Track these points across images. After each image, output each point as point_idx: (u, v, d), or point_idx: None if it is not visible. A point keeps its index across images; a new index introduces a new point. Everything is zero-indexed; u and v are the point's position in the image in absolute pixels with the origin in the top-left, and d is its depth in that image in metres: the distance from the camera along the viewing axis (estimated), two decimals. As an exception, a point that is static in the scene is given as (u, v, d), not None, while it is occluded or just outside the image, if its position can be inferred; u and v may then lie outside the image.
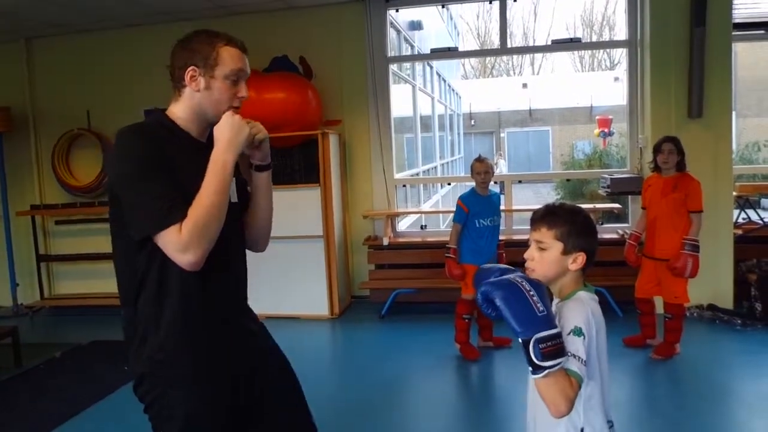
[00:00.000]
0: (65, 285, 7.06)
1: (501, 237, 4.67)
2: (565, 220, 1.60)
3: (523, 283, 1.45)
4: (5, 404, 4.11)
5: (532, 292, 1.43)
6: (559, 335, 1.42)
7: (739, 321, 5.00)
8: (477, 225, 4.44)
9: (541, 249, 1.61)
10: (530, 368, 1.41)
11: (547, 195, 16.08)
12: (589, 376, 1.51)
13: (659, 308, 4.48)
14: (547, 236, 1.60)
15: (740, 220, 6.01)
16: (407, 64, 9.47)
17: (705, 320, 5.17)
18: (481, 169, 4.46)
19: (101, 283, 6.86)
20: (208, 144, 1.70)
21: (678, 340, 4.32)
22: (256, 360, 1.82)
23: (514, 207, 6.65)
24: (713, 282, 5.18)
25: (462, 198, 4.55)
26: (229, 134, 1.63)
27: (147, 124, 1.70)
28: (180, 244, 1.51)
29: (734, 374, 4.15)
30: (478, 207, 4.46)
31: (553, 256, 1.60)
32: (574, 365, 1.45)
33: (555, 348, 1.40)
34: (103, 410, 3.95)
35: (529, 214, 1.72)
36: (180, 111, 1.71)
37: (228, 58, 1.67)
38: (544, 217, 1.63)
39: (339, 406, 1.87)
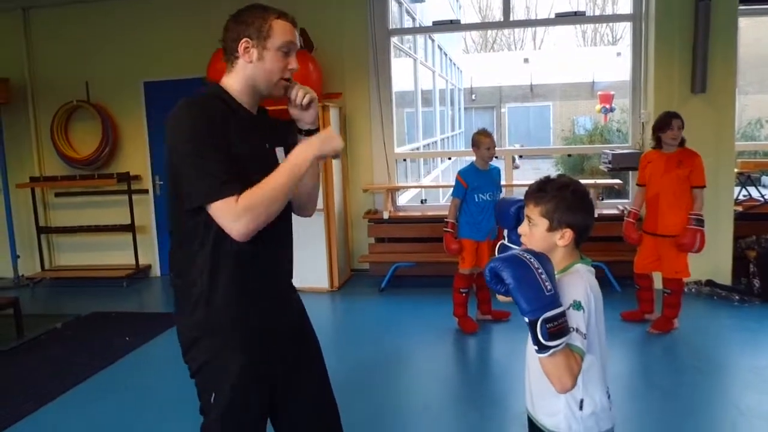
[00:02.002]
0: (65, 257, 7.08)
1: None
2: (552, 196, 1.60)
3: (532, 260, 1.44)
4: (7, 374, 4.15)
5: (540, 270, 1.42)
6: (563, 313, 1.42)
7: (737, 297, 5.03)
8: (476, 200, 4.43)
9: (531, 224, 1.63)
10: (536, 347, 1.41)
11: (547, 171, 16.05)
12: (588, 349, 1.51)
13: (657, 283, 4.50)
14: (535, 213, 1.61)
15: (741, 197, 6.00)
16: (409, 38, 9.39)
17: (703, 296, 5.19)
18: (490, 143, 4.43)
19: (101, 255, 6.90)
20: (259, 116, 1.81)
21: (676, 315, 4.34)
22: (299, 337, 1.92)
23: (514, 182, 6.63)
24: (712, 258, 5.19)
25: (461, 173, 4.53)
26: (322, 143, 1.73)
27: (206, 95, 1.72)
28: (234, 214, 1.58)
29: (731, 349, 4.18)
30: (478, 182, 4.44)
31: (540, 232, 1.61)
32: (576, 340, 1.46)
33: (561, 327, 1.40)
34: (104, 380, 3.99)
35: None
36: (234, 83, 1.75)
37: (280, 30, 1.72)
38: (533, 193, 1.64)
39: (337, 379, 1.89)
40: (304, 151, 1.70)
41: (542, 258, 1.46)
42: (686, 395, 3.41)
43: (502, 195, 4.65)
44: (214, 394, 1.73)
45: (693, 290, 5.22)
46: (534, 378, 1.65)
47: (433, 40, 12.08)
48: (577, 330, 1.47)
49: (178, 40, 6.41)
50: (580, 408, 1.58)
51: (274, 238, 1.77)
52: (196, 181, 1.59)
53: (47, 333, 4.93)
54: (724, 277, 5.30)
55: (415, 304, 5.35)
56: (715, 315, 4.82)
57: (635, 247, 4.53)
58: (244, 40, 1.70)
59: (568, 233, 1.58)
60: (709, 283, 5.26)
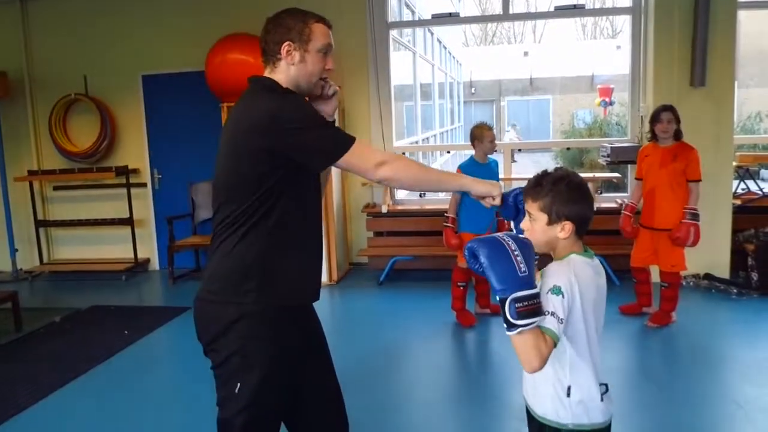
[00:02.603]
0: (64, 250, 7.08)
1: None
2: (548, 190, 1.61)
3: (509, 242, 1.47)
4: (6, 368, 4.15)
5: (516, 252, 1.46)
6: (536, 296, 1.45)
7: (735, 290, 5.03)
8: None
9: (531, 220, 1.65)
10: (505, 325, 1.44)
11: (546, 164, 16.03)
12: (571, 336, 1.55)
13: (655, 277, 4.50)
14: (533, 208, 1.64)
15: (739, 191, 6.00)
16: (408, 31, 9.36)
17: (701, 289, 5.20)
18: (492, 136, 4.42)
19: (99, 248, 6.90)
20: None
21: (674, 309, 4.35)
22: (317, 331, 2.02)
23: (514, 176, 6.63)
24: (710, 251, 5.19)
25: (461, 167, 4.52)
26: (484, 190, 1.88)
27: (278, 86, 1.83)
28: (379, 158, 1.76)
29: (729, 342, 4.19)
30: (478, 175, 4.40)
31: (540, 226, 1.63)
32: (550, 323, 1.49)
33: (531, 308, 1.43)
34: (103, 374, 4.00)
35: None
36: (281, 79, 1.84)
37: (319, 33, 1.85)
38: (530, 189, 1.66)
39: (336, 372, 1.90)
40: (469, 185, 1.90)
41: (521, 242, 1.50)
42: (684, 388, 3.42)
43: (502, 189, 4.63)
44: (239, 385, 1.75)
45: (691, 283, 5.23)
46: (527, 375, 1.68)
47: (432, 34, 12.04)
48: (553, 314, 1.49)
49: (177, 33, 6.39)
50: (568, 395, 1.59)
51: (317, 225, 1.91)
52: (320, 142, 1.73)
53: (46, 327, 4.93)
54: (723, 270, 5.30)
55: (413, 298, 5.36)
56: (713, 308, 4.83)
57: (632, 242, 4.53)
58: (286, 43, 1.80)
59: (568, 225, 1.60)
60: (707, 276, 5.27)
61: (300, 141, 1.72)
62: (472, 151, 4.52)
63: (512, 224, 1.90)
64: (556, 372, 1.60)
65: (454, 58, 17.69)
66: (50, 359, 4.24)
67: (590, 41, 33.41)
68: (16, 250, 6.87)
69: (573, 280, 1.55)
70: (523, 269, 1.44)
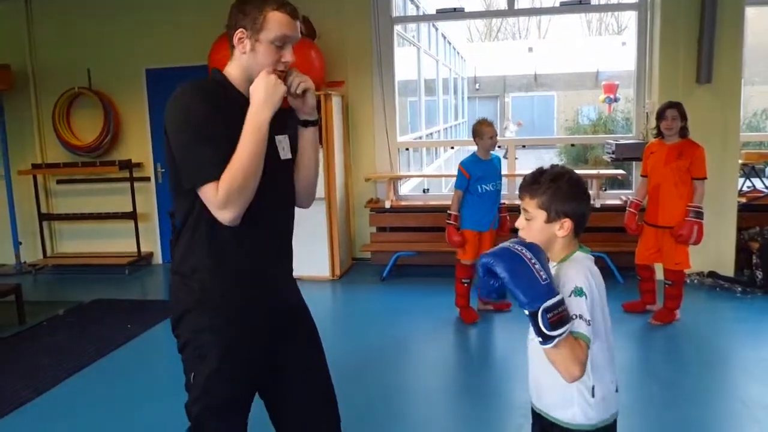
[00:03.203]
0: (68, 244, 7.09)
1: (504, 201, 4.64)
2: (546, 188, 1.57)
3: (523, 251, 1.43)
4: (9, 360, 4.16)
5: (533, 260, 1.41)
6: (562, 302, 1.41)
7: (739, 288, 5.02)
8: (480, 190, 4.41)
9: (528, 218, 1.61)
10: (540, 339, 1.39)
11: (550, 161, 15.96)
12: (594, 334, 1.50)
13: (659, 274, 4.48)
14: (531, 205, 1.59)
15: (745, 188, 5.97)
16: (412, 26, 9.33)
17: (705, 287, 5.18)
18: (493, 132, 4.40)
19: (103, 242, 6.90)
20: None
21: (678, 307, 4.33)
22: (288, 315, 1.90)
23: (517, 172, 6.60)
24: (715, 249, 5.18)
25: (463, 164, 4.50)
26: (263, 93, 1.66)
27: (205, 80, 1.78)
28: (217, 201, 1.60)
29: (733, 341, 4.18)
30: (481, 172, 4.41)
31: (538, 224, 1.58)
32: (580, 327, 1.46)
33: (561, 315, 1.39)
34: (105, 367, 4.00)
35: None
36: (233, 71, 1.76)
37: (275, 22, 1.69)
38: (527, 186, 1.61)
39: (338, 368, 1.89)
40: (259, 113, 1.66)
41: (533, 247, 1.46)
42: (688, 387, 3.41)
43: (504, 184, 4.62)
44: (193, 374, 1.75)
45: (695, 281, 5.21)
46: (540, 372, 1.63)
47: (436, 29, 12.01)
48: (581, 316, 1.46)
49: (180, 27, 6.37)
50: (593, 395, 1.57)
51: (270, 224, 1.80)
52: (185, 163, 1.64)
53: (49, 320, 4.94)
54: (727, 268, 5.28)
55: (416, 294, 5.35)
56: (717, 306, 4.81)
57: (637, 239, 4.51)
58: (239, 30, 1.70)
59: (567, 223, 1.56)
60: (712, 274, 5.25)
61: (175, 149, 1.67)
62: (476, 147, 4.50)
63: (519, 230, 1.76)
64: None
65: (458, 53, 17.65)
66: (53, 352, 4.24)
67: (595, 37, 33.28)
68: (20, 243, 6.88)
69: (590, 279, 1.52)
70: (543, 277, 1.40)
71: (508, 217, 4.65)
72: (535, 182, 1.59)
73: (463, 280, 4.52)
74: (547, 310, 1.37)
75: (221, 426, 1.79)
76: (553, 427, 1.64)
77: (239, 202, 1.61)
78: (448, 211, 4.47)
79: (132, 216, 6.61)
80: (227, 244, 1.72)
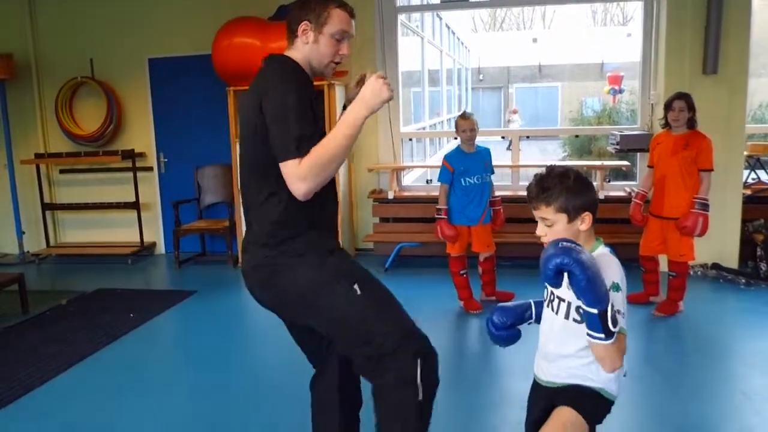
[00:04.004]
0: (71, 233, 7.10)
1: (507, 193, 4.62)
2: (559, 191, 1.63)
3: (589, 254, 1.53)
4: (12, 350, 4.17)
5: (595, 262, 1.51)
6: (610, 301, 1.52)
7: (743, 280, 5.00)
8: (463, 184, 4.37)
9: (549, 225, 1.67)
10: (603, 335, 1.50)
11: (553, 152, 15.94)
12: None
13: (663, 266, 4.47)
14: (549, 213, 1.65)
15: (749, 180, 5.95)
16: (416, 16, 9.28)
17: (709, 279, 5.16)
18: (466, 126, 4.36)
19: (106, 232, 6.91)
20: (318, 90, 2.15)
21: (681, 298, 4.32)
22: None
23: (521, 163, 6.58)
24: (719, 241, 5.16)
25: (446, 157, 4.47)
26: (370, 95, 1.83)
27: (289, 62, 1.94)
28: (298, 174, 1.76)
29: (736, 333, 4.17)
30: (464, 165, 4.38)
31: (561, 227, 1.65)
32: (622, 322, 1.56)
33: (614, 312, 1.52)
34: (108, 356, 4.01)
35: (535, 171, 1.74)
36: (296, 56, 1.96)
37: (337, 18, 1.95)
38: (539, 195, 1.66)
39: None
40: (356, 110, 1.82)
41: (583, 249, 1.54)
42: (691, 378, 3.40)
43: (492, 176, 4.58)
44: (356, 285, 1.93)
45: (699, 273, 5.20)
46: (559, 357, 1.74)
47: (441, 19, 11.95)
48: (619, 312, 1.55)
49: (183, 16, 6.35)
50: (624, 374, 1.72)
51: (333, 192, 2.06)
52: (278, 137, 1.79)
53: (52, 309, 4.95)
54: (731, 260, 5.26)
55: (419, 285, 5.34)
56: (720, 298, 4.80)
57: (642, 230, 4.49)
58: (303, 22, 1.92)
59: (588, 216, 1.65)
60: (715, 266, 5.23)
61: (272, 121, 1.81)
62: (483, 138, 4.47)
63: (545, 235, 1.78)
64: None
65: (462, 44, 17.58)
66: (56, 341, 4.25)
67: (600, 28, 33.09)
68: (23, 232, 6.89)
69: (622, 272, 1.62)
70: (602, 278, 1.50)
71: (501, 210, 4.63)
72: (545, 189, 1.65)
73: (462, 272, 4.51)
74: (611, 308, 1.49)
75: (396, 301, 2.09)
76: (565, 391, 1.74)
77: (317, 180, 1.78)
78: (437, 206, 4.44)
79: (135, 206, 6.61)
80: (317, 204, 1.90)
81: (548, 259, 1.50)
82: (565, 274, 1.51)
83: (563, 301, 1.72)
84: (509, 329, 1.91)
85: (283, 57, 1.96)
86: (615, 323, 1.49)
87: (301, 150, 1.75)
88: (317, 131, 1.82)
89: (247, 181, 2.01)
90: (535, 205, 1.68)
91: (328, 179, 1.84)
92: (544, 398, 1.81)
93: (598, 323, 1.49)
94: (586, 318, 1.54)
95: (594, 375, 1.70)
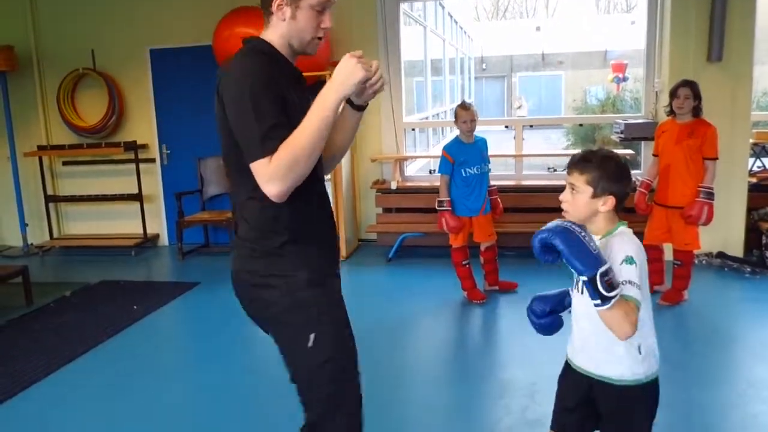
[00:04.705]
0: (74, 225, 7.10)
1: (511, 182, 4.61)
2: (596, 166, 1.73)
3: (573, 226, 1.61)
4: (16, 341, 4.17)
5: (583, 233, 1.59)
6: (611, 269, 1.58)
7: (748, 269, 4.97)
8: (464, 174, 4.36)
9: (574, 192, 1.76)
10: (599, 301, 1.56)
11: (557, 141, 15.88)
12: (642, 299, 1.65)
13: (668, 255, 4.45)
14: (579, 180, 1.74)
15: (755, 168, 5.91)
16: (419, 5, 9.22)
17: (714, 268, 5.14)
18: (467, 116, 4.34)
19: (109, 224, 6.92)
20: (299, 72, 1.81)
21: (686, 287, 4.31)
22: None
23: (524, 152, 6.55)
24: (724, 230, 5.13)
25: (446, 148, 4.46)
26: (341, 76, 1.62)
27: (256, 51, 1.71)
28: (267, 176, 1.57)
29: (741, 321, 4.15)
30: (464, 155, 4.37)
31: (584, 199, 1.74)
32: (631, 291, 1.62)
33: (612, 280, 1.57)
34: (112, 348, 4.01)
35: (539, 160, 1.78)
36: (273, 38, 1.74)
37: None
38: (578, 162, 1.76)
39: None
40: (325, 93, 1.61)
41: (578, 225, 1.64)
42: (696, 367, 3.39)
43: (489, 166, 4.56)
44: (314, 335, 1.72)
45: (704, 262, 5.17)
46: (590, 333, 1.79)
47: (443, 8, 11.89)
48: (631, 282, 1.62)
49: (184, 7, 6.32)
50: (639, 352, 1.74)
51: (322, 189, 1.85)
52: (242, 137, 1.61)
53: (56, 301, 4.96)
54: (736, 248, 5.24)
55: (422, 275, 5.33)
56: (725, 287, 4.78)
57: (646, 219, 4.47)
58: None
59: (611, 200, 1.72)
60: (720, 254, 5.21)
61: (233, 121, 1.63)
62: (486, 127, 4.45)
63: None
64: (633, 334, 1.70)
65: (465, 33, 17.49)
66: (60, 333, 4.26)
67: (604, 16, 32.89)
68: (27, 225, 6.90)
69: (640, 248, 1.71)
70: (593, 246, 1.58)
71: (499, 200, 4.62)
72: (587, 160, 1.75)
73: (464, 262, 4.50)
74: (603, 275, 1.55)
75: (356, 386, 1.82)
76: (601, 385, 1.79)
77: (289, 179, 1.58)
78: (439, 198, 4.43)
79: (138, 197, 6.61)
80: (310, 208, 1.76)
81: (534, 236, 1.63)
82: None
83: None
84: (550, 316, 1.93)
85: (252, 43, 1.74)
86: (611, 289, 1.55)
87: (266, 148, 1.56)
88: (288, 123, 1.60)
89: (229, 177, 1.85)
90: (571, 170, 1.77)
91: (304, 176, 1.61)
92: (579, 388, 1.85)
93: (591, 289, 1.56)
94: (584, 287, 1.64)
95: (625, 357, 1.74)
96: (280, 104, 1.61)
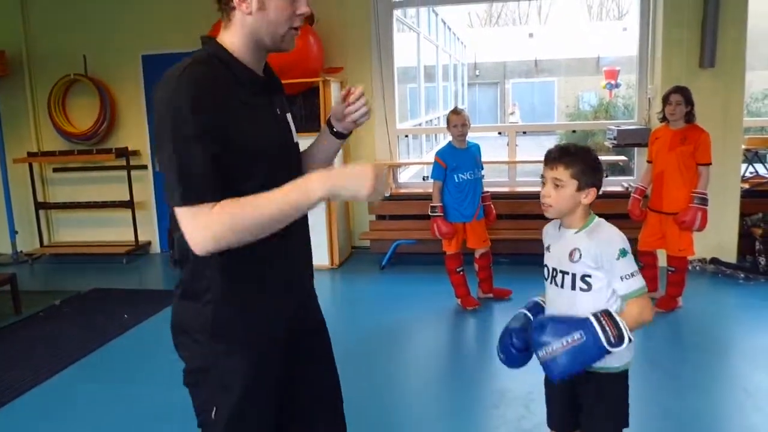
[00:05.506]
0: (64, 233, 7.04)
1: (504, 189, 4.59)
2: (580, 159, 1.78)
3: (528, 317, 1.81)
4: (4, 351, 4.12)
5: (576, 336, 1.67)
6: (616, 338, 1.68)
7: (742, 275, 4.97)
8: (457, 180, 4.35)
9: (558, 186, 1.78)
10: (626, 342, 1.69)
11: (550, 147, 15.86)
12: None
13: (662, 261, 4.43)
14: (564, 174, 1.78)
15: (747, 174, 5.92)
16: (412, 11, 9.22)
17: (708, 274, 5.13)
18: (458, 121, 4.34)
19: (100, 231, 6.86)
20: (267, 78, 1.51)
21: (680, 294, 4.29)
22: (310, 334, 1.68)
23: (518, 159, 6.54)
24: (717, 236, 5.12)
25: (439, 153, 4.45)
26: (345, 181, 1.32)
27: (200, 61, 1.39)
28: (196, 228, 1.29)
29: (736, 328, 4.14)
30: (457, 161, 4.36)
31: (569, 192, 1.78)
32: (636, 284, 1.72)
33: (617, 331, 1.67)
34: (102, 357, 3.97)
35: (532, 167, 1.82)
36: (234, 40, 1.44)
37: None
38: (561, 157, 1.79)
39: (336, 358, 1.86)
40: (313, 184, 1.31)
41: (526, 312, 1.85)
42: (691, 375, 3.37)
43: (483, 172, 4.55)
44: (215, 409, 1.48)
45: (698, 268, 5.17)
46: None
47: (436, 14, 11.90)
48: (631, 275, 1.72)
49: (177, 13, 6.28)
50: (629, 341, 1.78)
51: (292, 229, 1.43)
52: (169, 178, 1.33)
53: (45, 310, 4.90)
54: (730, 254, 5.24)
55: (415, 282, 5.31)
56: (720, 293, 4.77)
57: (640, 225, 4.46)
58: None
59: (593, 192, 1.79)
60: (714, 260, 5.20)
61: (159, 154, 1.35)
62: (479, 134, 4.44)
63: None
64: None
65: (458, 39, 17.52)
66: (49, 343, 4.20)
67: (596, 23, 33.06)
68: (16, 232, 6.84)
69: (622, 234, 1.76)
70: (602, 341, 1.67)
71: (492, 206, 4.61)
72: (570, 154, 1.79)
73: (458, 269, 4.48)
74: (612, 345, 1.67)
75: None
76: (587, 376, 1.82)
77: (223, 242, 1.30)
78: (432, 204, 4.40)
79: (129, 204, 6.56)
80: (247, 253, 1.37)
81: (513, 359, 1.87)
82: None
83: (567, 273, 1.82)
84: (525, 352, 1.92)
85: (199, 51, 1.44)
86: (620, 341, 1.66)
87: (186, 198, 1.29)
88: (222, 158, 1.31)
89: None
90: (553, 165, 1.79)
91: (229, 247, 1.32)
92: (565, 389, 1.88)
93: (614, 346, 1.68)
94: (562, 278, 1.80)
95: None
96: (218, 133, 1.31)
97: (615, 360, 1.79)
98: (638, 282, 1.72)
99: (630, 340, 1.67)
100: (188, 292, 1.48)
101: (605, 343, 1.66)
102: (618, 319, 1.70)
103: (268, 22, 1.41)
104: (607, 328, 1.66)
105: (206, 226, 1.29)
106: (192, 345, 1.49)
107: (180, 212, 1.31)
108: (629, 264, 1.72)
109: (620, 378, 1.90)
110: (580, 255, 1.79)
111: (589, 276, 1.79)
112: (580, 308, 1.77)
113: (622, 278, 1.71)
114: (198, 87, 1.32)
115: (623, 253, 1.71)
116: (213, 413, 1.48)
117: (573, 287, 1.82)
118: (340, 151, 1.80)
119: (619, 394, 1.91)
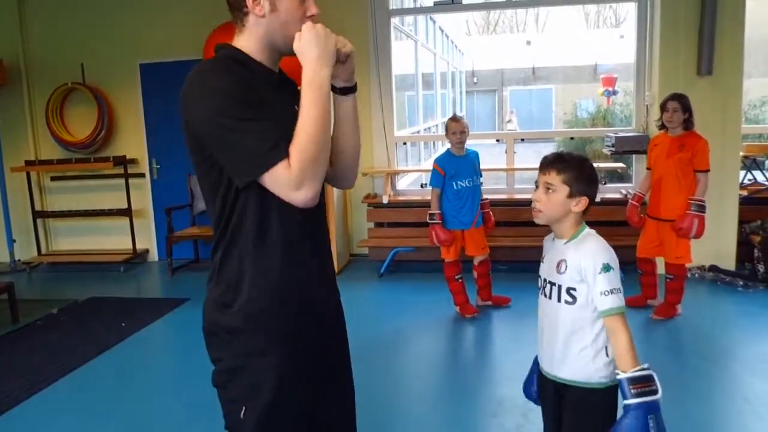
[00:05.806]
0: (62, 241, 7.03)
1: (503, 196, 4.59)
2: (574, 166, 1.77)
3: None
4: (2, 360, 4.10)
5: (652, 424, 1.68)
6: (653, 405, 1.68)
7: (741, 282, 4.96)
8: (455, 187, 4.35)
9: (549, 191, 1.77)
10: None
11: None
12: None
13: (660, 268, 4.43)
14: (556, 180, 1.76)
15: (746, 181, 5.92)
16: (409, 19, 9.25)
17: (706, 281, 5.13)
18: (457, 128, 4.34)
19: (98, 239, 6.84)
20: (281, 77, 1.57)
21: (679, 301, 4.28)
22: (333, 350, 1.72)
23: (516, 166, 6.54)
24: (716, 243, 5.12)
25: (437, 161, 4.44)
26: (316, 48, 1.42)
27: (217, 60, 1.49)
28: (292, 180, 1.35)
29: (735, 335, 4.13)
30: (455, 168, 4.36)
31: (560, 198, 1.76)
32: (613, 302, 1.68)
33: (644, 383, 1.66)
34: (100, 366, 3.95)
35: (530, 174, 1.80)
36: (248, 43, 1.51)
37: None
38: (554, 162, 1.78)
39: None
40: (315, 72, 1.40)
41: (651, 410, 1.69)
42: (690, 383, 3.36)
43: (481, 179, 4.55)
44: (244, 409, 1.48)
45: (696, 275, 5.16)
46: (557, 343, 1.81)
47: (434, 22, 11.93)
48: (610, 291, 1.68)
49: (175, 21, 6.30)
50: (606, 354, 1.77)
51: (315, 226, 1.57)
52: (240, 153, 1.36)
53: (43, 319, 4.88)
54: (728, 261, 5.23)
55: (414, 290, 5.29)
56: (718, 300, 4.77)
57: (639, 232, 4.46)
58: None
59: (584, 201, 1.76)
60: (713, 268, 5.19)
61: (217, 145, 1.39)
62: (477, 141, 4.44)
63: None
64: (595, 338, 1.76)
65: (456, 47, 17.57)
66: (47, 351, 4.18)
67: (593, 30, 33.18)
68: (14, 240, 6.82)
69: (610, 249, 1.73)
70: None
71: (491, 213, 4.61)
72: (564, 160, 1.78)
73: (457, 276, 4.47)
74: (647, 407, 1.66)
75: None
76: (569, 389, 1.81)
77: (317, 175, 1.37)
78: (430, 211, 4.40)
79: (127, 213, 6.55)
80: (277, 248, 1.47)
81: None
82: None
83: (554, 285, 1.81)
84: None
85: (219, 53, 1.52)
86: (644, 392, 1.64)
87: (276, 154, 1.34)
88: (279, 122, 1.39)
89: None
90: (547, 170, 1.79)
91: (325, 172, 1.41)
92: (554, 397, 1.88)
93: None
94: (551, 291, 1.79)
95: (594, 360, 1.77)
96: (264, 112, 1.38)
97: (595, 375, 1.78)
98: (617, 300, 1.68)
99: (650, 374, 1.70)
100: (222, 292, 1.50)
101: (656, 397, 1.69)
102: (637, 374, 1.68)
103: (281, 23, 1.48)
104: (645, 392, 1.67)
105: (297, 176, 1.35)
106: (224, 346, 1.50)
107: (275, 173, 1.35)
108: (611, 280, 1.68)
109: (598, 394, 1.80)
110: (566, 266, 1.76)
111: (574, 289, 1.75)
112: (561, 322, 1.77)
113: (601, 293, 1.68)
114: (229, 73, 1.42)
115: (606, 268, 1.68)
116: (242, 413, 1.49)
117: (559, 299, 1.79)
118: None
119: (601, 410, 1.82)
